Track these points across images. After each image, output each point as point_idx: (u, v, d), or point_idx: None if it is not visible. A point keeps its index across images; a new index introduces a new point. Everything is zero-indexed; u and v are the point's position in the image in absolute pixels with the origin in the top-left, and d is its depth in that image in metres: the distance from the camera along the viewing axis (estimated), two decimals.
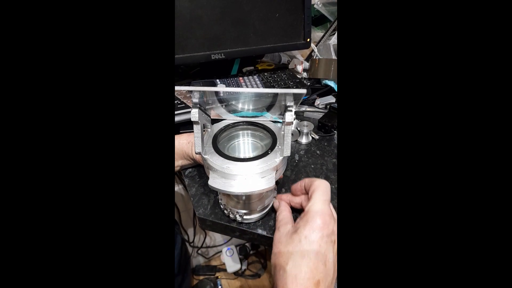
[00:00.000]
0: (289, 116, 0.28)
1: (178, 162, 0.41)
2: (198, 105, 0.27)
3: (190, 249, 1.08)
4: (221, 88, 0.25)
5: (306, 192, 0.31)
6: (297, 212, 0.33)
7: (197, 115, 0.27)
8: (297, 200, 0.33)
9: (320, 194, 0.29)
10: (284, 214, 0.32)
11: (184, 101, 0.49)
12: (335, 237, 0.27)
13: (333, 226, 0.27)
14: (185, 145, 0.39)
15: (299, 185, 0.33)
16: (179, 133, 0.46)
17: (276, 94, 0.28)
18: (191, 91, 0.26)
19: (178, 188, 0.95)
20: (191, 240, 1.05)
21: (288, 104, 0.28)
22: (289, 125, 0.28)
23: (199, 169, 0.44)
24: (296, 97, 0.27)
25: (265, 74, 0.62)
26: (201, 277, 1.12)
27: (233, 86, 0.55)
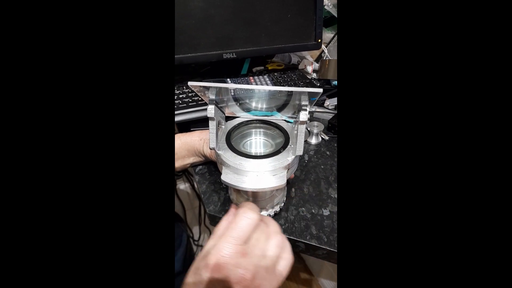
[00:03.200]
0: (303, 115, 0.28)
1: (190, 159, 0.41)
2: (214, 102, 0.28)
3: (194, 247, 1.08)
4: (238, 85, 0.25)
5: None
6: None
7: (213, 111, 0.27)
8: None
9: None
10: (219, 225, 0.27)
11: (201, 97, 0.50)
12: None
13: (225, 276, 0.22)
14: (197, 142, 0.39)
15: None
16: (189, 130, 0.47)
17: (290, 94, 0.29)
18: (207, 88, 0.26)
19: (184, 186, 0.96)
20: (195, 238, 1.06)
21: (302, 103, 0.28)
22: (302, 124, 0.29)
23: (209, 167, 0.44)
24: (310, 96, 0.27)
25: (275, 74, 0.62)
26: None
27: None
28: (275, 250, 0.24)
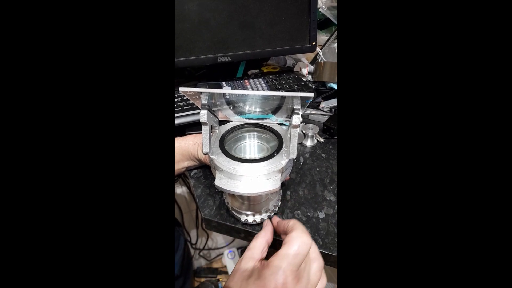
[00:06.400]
0: (296, 119, 0.28)
1: (184, 163, 0.41)
2: (207, 106, 0.28)
3: (192, 250, 1.08)
4: (230, 90, 0.25)
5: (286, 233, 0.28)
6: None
7: (205, 116, 0.27)
8: (282, 230, 0.29)
9: (283, 252, 0.24)
10: (256, 242, 0.28)
11: (193, 102, 0.50)
12: None
13: None
14: (191, 146, 0.39)
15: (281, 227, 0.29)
16: (184, 134, 0.47)
17: (283, 97, 0.29)
18: (200, 93, 0.26)
19: (181, 190, 0.95)
20: (193, 241, 1.05)
21: (295, 107, 0.28)
22: (295, 127, 0.29)
23: (205, 170, 0.44)
24: (303, 100, 0.27)
25: (270, 76, 0.63)
26: (203, 279, 1.12)
27: (239, 89, 0.55)
28: (317, 274, 0.26)
